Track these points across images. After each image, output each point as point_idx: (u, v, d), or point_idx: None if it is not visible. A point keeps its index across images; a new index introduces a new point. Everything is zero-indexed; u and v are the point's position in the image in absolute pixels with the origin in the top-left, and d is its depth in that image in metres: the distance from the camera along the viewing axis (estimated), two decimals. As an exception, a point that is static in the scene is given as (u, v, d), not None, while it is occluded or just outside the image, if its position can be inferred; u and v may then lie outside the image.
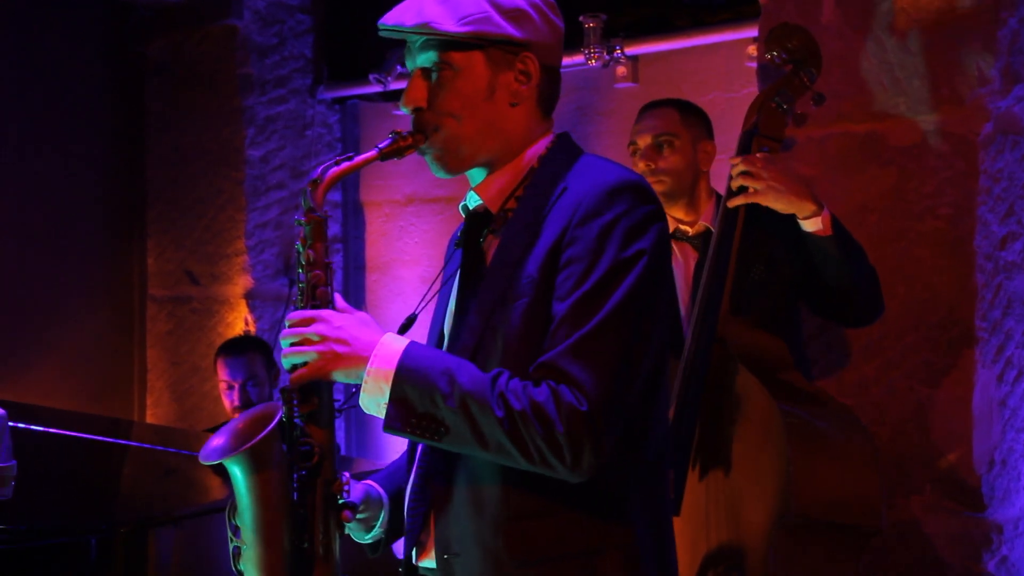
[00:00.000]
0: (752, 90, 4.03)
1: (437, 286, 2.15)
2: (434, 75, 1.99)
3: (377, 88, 5.03)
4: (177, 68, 5.46)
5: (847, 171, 3.59)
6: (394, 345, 1.90)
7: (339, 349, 1.90)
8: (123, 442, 3.95)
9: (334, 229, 5.46)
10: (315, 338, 1.91)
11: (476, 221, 2.07)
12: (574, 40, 4.44)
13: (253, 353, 4.65)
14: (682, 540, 2.97)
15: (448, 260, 2.17)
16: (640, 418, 1.95)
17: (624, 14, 4.46)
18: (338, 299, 2.00)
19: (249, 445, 1.91)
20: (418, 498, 2.03)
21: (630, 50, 4.45)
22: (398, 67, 4.93)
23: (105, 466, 3.73)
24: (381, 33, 2.03)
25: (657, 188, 3.26)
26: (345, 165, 2.00)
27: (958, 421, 3.40)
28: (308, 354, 1.91)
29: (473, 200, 2.07)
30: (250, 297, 5.31)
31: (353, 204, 5.49)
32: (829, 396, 3.11)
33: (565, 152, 2.05)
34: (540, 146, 2.05)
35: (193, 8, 5.31)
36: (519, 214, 2.00)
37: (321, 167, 2.00)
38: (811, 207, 3.02)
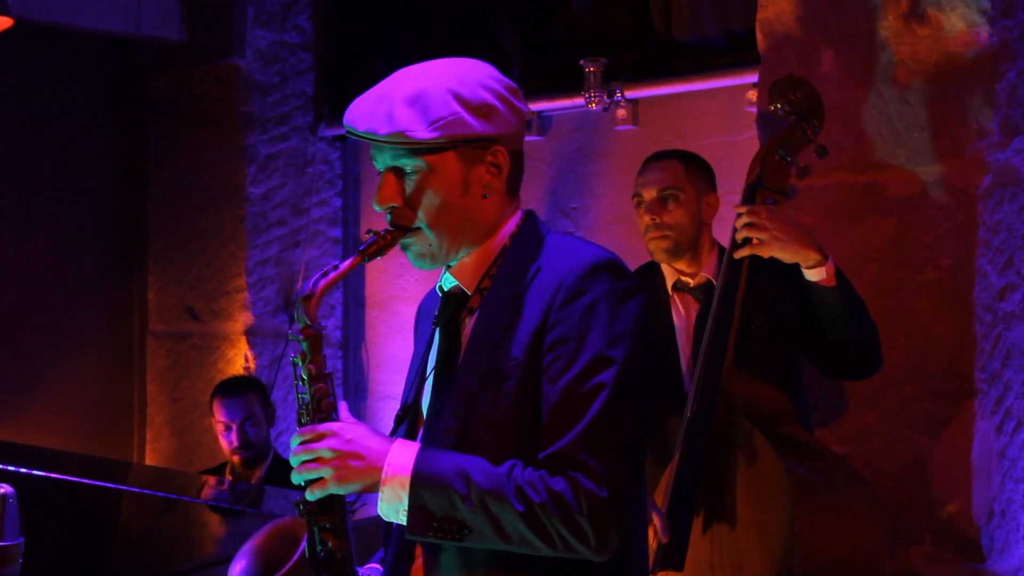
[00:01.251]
0: (752, 135, 4.05)
1: (419, 370, 2.14)
2: (409, 177, 2.00)
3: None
4: (179, 106, 5.48)
5: (847, 221, 3.60)
6: (406, 452, 1.92)
7: (354, 464, 1.92)
8: (123, 488, 3.94)
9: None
10: (328, 455, 1.92)
11: (452, 302, 2.08)
12: (575, 83, 4.46)
13: (249, 393, 4.66)
14: (684, 594, 2.99)
15: (418, 335, 2.18)
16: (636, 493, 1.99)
17: (624, 57, 4.48)
18: (342, 409, 2.01)
19: (282, 572, 1.96)
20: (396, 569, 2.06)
21: (630, 93, 4.47)
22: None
23: (106, 514, 3.72)
24: (351, 137, 2.04)
25: (662, 244, 3.28)
26: (332, 275, 2.00)
27: (958, 471, 3.41)
28: (323, 471, 1.92)
29: (448, 281, 2.08)
30: (250, 334, 5.31)
31: (354, 241, 5.50)
32: (831, 451, 3.13)
33: (533, 231, 2.07)
34: (511, 225, 2.07)
35: (195, 47, 5.32)
36: (495, 293, 2.01)
37: (311, 281, 2.01)
38: (816, 256, 3.03)
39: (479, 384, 1.96)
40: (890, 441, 3.50)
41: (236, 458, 4.59)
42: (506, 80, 2.06)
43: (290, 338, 2.01)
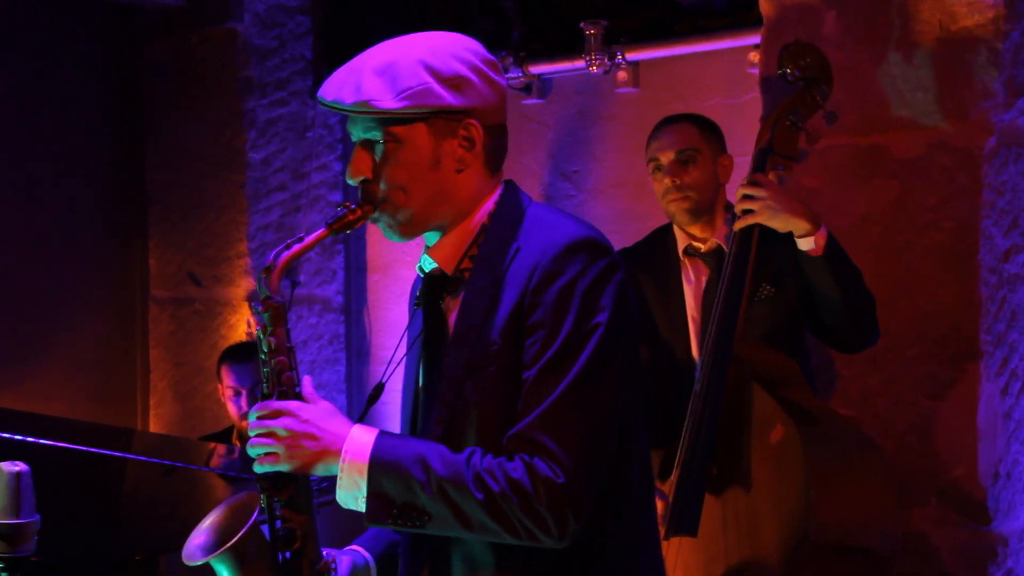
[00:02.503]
0: (753, 96, 4.03)
1: (400, 352, 2.13)
2: (378, 148, 1.97)
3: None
4: (177, 71, 5.45)
5: (850, 183, 3.59)
6: (364, 437, 1.90)
7: (308, 444, 1.91)
8: (127, 456, 3.95)
9: (336, 229, 5.45)
10: (283, 433, 1.91)
11: (433, 283, 2.06)
12: (575, 46, 4.44)
13: (259, 359, 4.62)
14: (697, 559, 3.01)
15: (411, 320, 2.16)
16: (620, 473, 1.97)
17: (625, 20, 4.45)
18: (305, 385, 2.00)
19: (231, 544, 1.93)
20: (412, 570, 2.06)
21: (631, 56, 4.44)
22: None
23: (111, 482, 3.73)
24: (321, 106, 2.01)
25: (684, 205, 3.28)
26: (296, 247, 1.99)
27: (963, 434, 3.41)
28: (276, 447, 1.91)
29: (428, 263, 2.06)
30: (252, 299, 5.30)
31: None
32: (841, 415, 3.13)
33: (513, 206, 2.04)
34: (490, 203, 2.04)
35: (193, 11, 5.28)
36: (475, 276, 1.99)
37: (273, 252, 1.99)
38: (806, 225, 3.02)
39: (465, 372, 1.94)
40: (895, 404, 3.50)
41: (245, 423, 4.58)
42: (484, 53, 2.02)
43: (252, 310, 1.99)
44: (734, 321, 3.04)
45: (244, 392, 4.55)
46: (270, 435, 1.91)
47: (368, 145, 1.98)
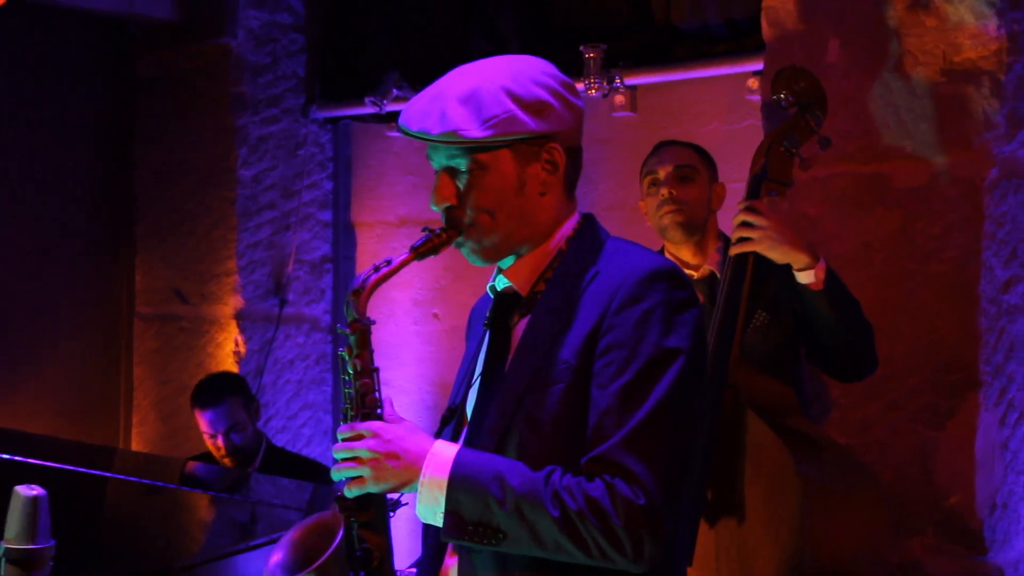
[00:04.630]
0: (752, 123, 4.04)
1: (470, 372, 2.14)
2: (463, 176, 1.99)
3: (371, 109, 5.00)
4: (169, 86, 5.41)
5: (852, 211, 3.59)
6: (445, 453, 1.92)
7: (391, 464, 1.93)
8: (116, 476, 3.90)
9: (324, 249, 5.43)
10: (366, 455, 1.93)
11: (504, 302, 2.08)
12: (574, 69, 4.43)
13: (229, 400, 4.50)
14: (691, 588, 2.98)
15: (470, 337, 2.18)
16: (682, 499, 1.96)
17: (624, 43, 4.45)
18: (387, 406, 2.01)
19: (316, 565, 1.98)
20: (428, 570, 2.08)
21: (629, 80, 4.44)
22: (394, 90, 4.91)
23: (100, 503, 3.69)
24: (405, 135, 2.02)
25: (677, 217, 3.27)
26: (385, 271, 2.00)
27: (961, 464, 3.41)
28: (361, 470, 1.93)
29: (502, 282, 2.08)
30: (240, 318, 5.26)
31: (344, 224, 5.47)
32: (837, 443, 3.13)
33: (592, 235, 2.06)
34: (567, 227, 2.06)
35: (186, 26, 5.25)
36: (549, 296, 2.01)
37: (361, 276, 2.01)
38: (805, 259, 3.02)
39: (526, 385, 1.95)
40: (893, 432, 3.50)
41: (227, 463, 4.51)
42: (561, 76, 2.05)
43: (339, 332, 2.00)
44: (729, 347, 3.03)
45: (219, 435, 4.47)
46: (355, 459, 1.94)
47: (452, 172, 2.00)
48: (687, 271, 3.32)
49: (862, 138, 3.57)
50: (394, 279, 5.50)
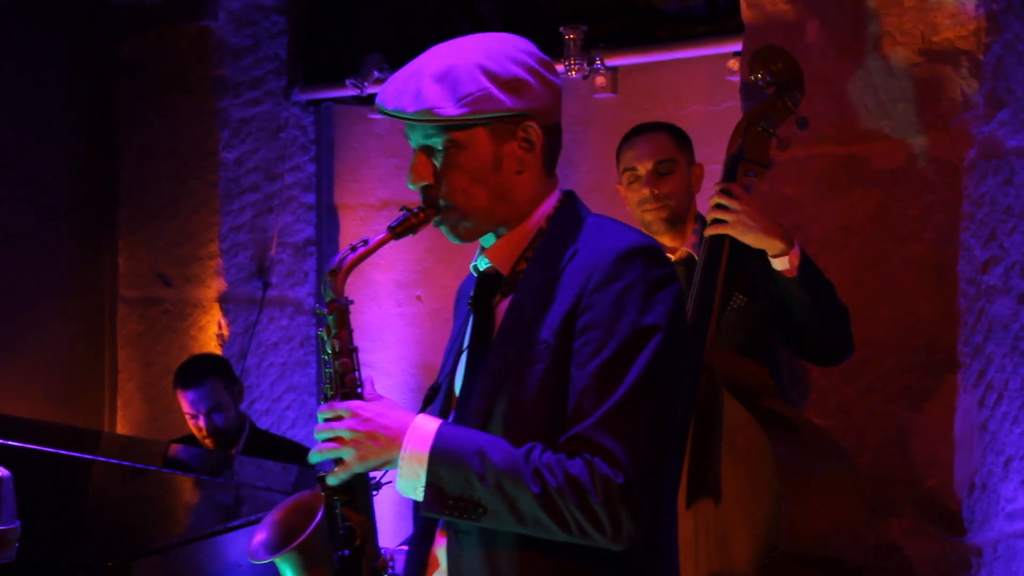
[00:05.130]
0: (733, 104, 4.03)
1: (454, 351, 2.14)
2: (439, 155, 1.99)
3: (353, 91, 4.99)
4: (150, 68, 5.39)
5: (830, 193, 3.59)
6: (426, 428, 1.92)
7: (372, 444, 1.93)
8: (97, 458, 3.90)
9: (307, 231, 5.42)
10: (347, 436, 1.93)
11: (487, 282, 2.08)
12: (554, 50, 4.41)
13: (212, 380, 4.50)
14: (668, 570, 2.98)
15: (457, 316, 2.18)
16: (662, 478, 1.97)
17: (604, 25, 4.44)
18: (367, 386, 2.02)
19: (298, 543, 1.96)
20: (417, 552, 2.06)
21: (610, 61, 4.43)
22: (375, 72, 4.89)
23: (80, 485, 3.69)
24: (381, 113, 2.02)
25: (661, 214, 3.26)
26: (361, 251, 2.01)
27: (939, 445, 3.42)
28: (342, 451, 1.94)
29: (483, 263, 2.07)
30: (223, 300, 5.26)
31: (327, 207, 5.45)
32: (814, 424, 3.13)
33: (572, 212, 2.05)
34: (547, 206, 2.05)
35: (166, 8, 5.22)
36: (529, 275, 2.01)
37: (339, 256, 2.01)
38: (779, 245, 3.02)
39: (508, 366, 1.95)
40: (872, 414, 3.51)
41: (208, 443, 4.51)
42: (539, 54, 2.03)
43: (316, 312, 2.00)
44: (705, 330, 3.03)
45: (201, 416, 4.47)
46: (336, 439, 1.94)
47: (428, 151, 2.00)
48: (666, 253, 3.31)
49: (840, 119, 3.56)
50: (377, 261, 5.52)
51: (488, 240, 2.07)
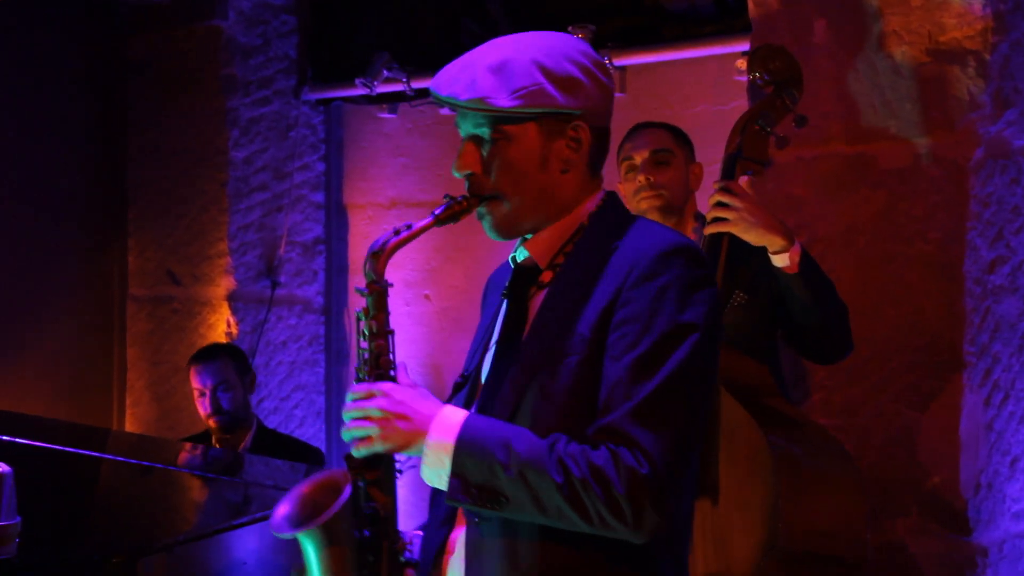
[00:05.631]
0: (740, 103, 4.03)
1: (486, 342, 2.15)
2: (487, 145, 2.01)
3: (363, 91, 5.00)
4: (160, 68, 5.40)
5: (837, 193, 3.59)
6: (453, 418, 1.93)
7: (400, 425, 1.93)
8: (104, 456, 3.91)
9: (316, 230, 5.43)
10: (376, 414, 1.94)
11: (523, 274, 2.08)
12: (562, 50, 4.41)
13: (224, 359, 4.62)
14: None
15: (486, 307, 2.19)
16: (691, 476, 1.98)
17: (612, 24, 4.44)
18: (401, 369, 2.02)
19: (324, 519, 1.95)
20: (433, 541, 2.07)
21: (618, 60, 4.43)
22: (384, 71, 4.89)
23: (87, 483, 3.69)
24: (434, 100, 2.03)
25: (655, 202, 3.28)
26: (405, 235, 2.01)
27: (945, 444, 3.41)
28: (370, 429, 1.94)
29: (522, 254, 2.08)
30: (232, 299, 5.27)
31: (336, 206, 5.46)
32: (813, 422, 3.13)
33: (616, 213, 2.07)
34: (590, 204, 2.06)
35: (177, 8, 5.24)
36: (568, 270, 2.02)
37: (382, 238, 2.01)
38: (780, 242, 3.02)
39: (542, 357, 1.96)
40: (877, 414, 3.50)
41: (211, 423, 4.57)
42: (595, 55, 2.05)
43: (357, 292, 2.01)
44: None
45: (207, 392, 4.53)
46: (365, 418, 1.95)
47: (477, 140, 2.02)
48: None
49: (847, 119, 3.56)
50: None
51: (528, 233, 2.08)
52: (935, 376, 3.43)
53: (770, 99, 3.16)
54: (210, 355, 4.65)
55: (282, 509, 2.01)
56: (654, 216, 3.28)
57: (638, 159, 3.31)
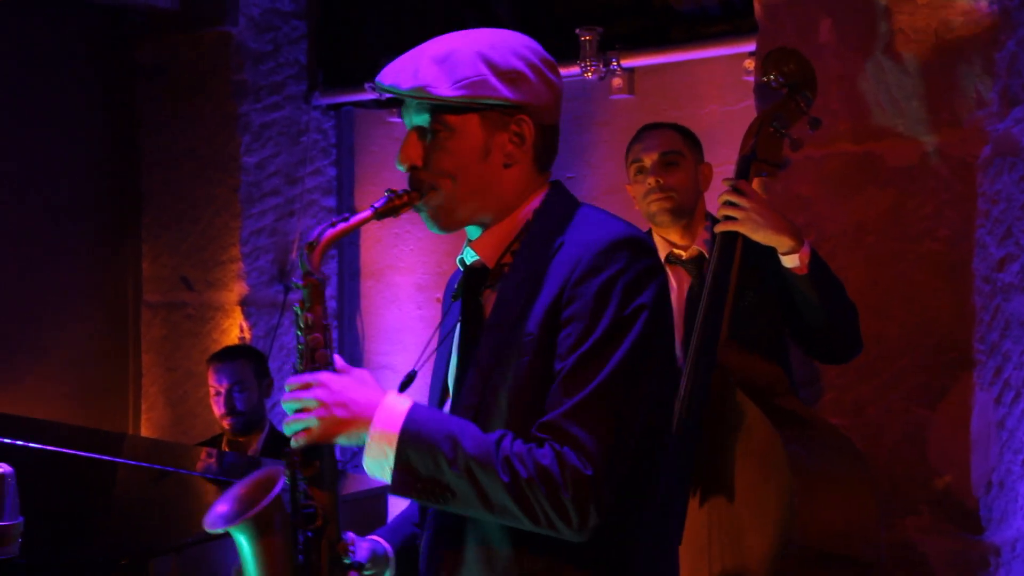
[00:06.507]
0: (749, 104, 4.03)
1: (435, 343, 2.15)
2: (429, 135, 1.99)
3: (372, 96, 5.01)
4: (171, 74, 5.43)
5: (845, 191, 3.58)
6: (397, 407, 1.90)
7: (339, 413, 1.91)
8: (116, 459, 3.93)
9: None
10: (314, 404, 1.91)
11: (474, 276, 2.08)
12: (570, 52, 4.43)
13: (242, 360, 4.66)
14: (682, 568, 2.96)
15: (446, 312, 2.17)
16: (645, 469, 1.96)
17: (620, 26, 4.44)
18: (337, 360, 2.00)
19: (253, 513, 1.91)
20: (430, 557, 2.04)
21: (626, 62, 4.44)
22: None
23: (99, 486, 3.71)
24: (376, 90, 2.02)
25: (665, 204, 3.28)
26: (341, 227, 2.01)
27: (955, 443, 3.40)
28: (308, 420, 1.91)
29: (470, 255, 2.08)
30: (245, 304, 5.29)
31: (348, 210, 5.46)
32: (825, 420, 3.12)
33: (561, 205, 2.05)
34: (535, 201, 2.05)
35: (186, 14, 5.26)
36: (515, 269, 2.00)
37: (317, 229, 2.00)
38: (789, 243, 3.01)
39: (495, 360, 1.95)
40: (887, 413, 3.49)
41: (225, 423, 4.60)
42: (543, 52, 2.04)
43: (293, 286, 1.99)
44: (717, 327, 3.03)
45: (223, 392, 4.56)
46: (302, 409, 1.92)
47: (420, 132, 2.01)
48: (675, 251, 3.32)
49: (854, 118, 3.55)
50: (396, 264, 5.52)
51: (474, 233, 2.07)
52: (945, 375, 3.42)
53: (784, 101, 3.16)
54: (229, 355, 4.69)
55: (219, 508, 1.97)
56: (664, 218, 3.29)
57: (647, 161, 3.32)
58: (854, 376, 3.52)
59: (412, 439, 1.87)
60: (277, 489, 1.93)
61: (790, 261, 3.01)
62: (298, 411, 1.93)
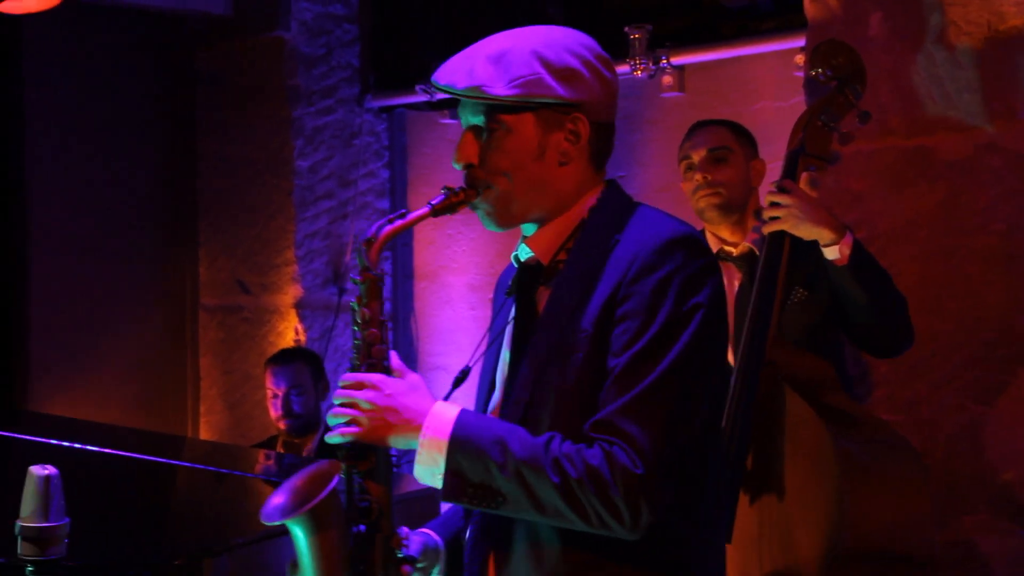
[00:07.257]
0: (800, 99, 4.00)
1: (487, 339, 2.16)
2: (485, 134, 2.00)
3: (424, 97, 5.03)
4: (226, 79, 5.49)
5: (896, 186, 3.55)
6: (446, 414, 1.91)
7: (389, 418, 1.92)
8: (172, 462, 3.98)
9: (384, 236, 5.46)
10: (365, 405, 1.93)
11: (528, 272, 2.08)
12: (620, 50, 4.41)
13: (300, 363, 4.70)
14: (732, 566, 2.96)
15: (498, 309, 2.17)
16: (698, 467, 1.95)
17: (670, 23, 4.43)
18: (393, 358, 2.01)
19: (311, 506, 1.92)
20: (477, 552, 2.05)
21: (676, 60, 4.42)
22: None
23: (154, 488, 3.76)
24: (432, 89, 2.04)
25: (713, 200, 3.26)
26: (398, 223, 2.02)
27: (1013, 439, 3.36)
28: (358, 420, 1.93)
29: (524, 252, 2.08)
30: (300, 307, 5.33)
31: (401, 212, 5.50)
32: (877, 417, 3.10)
33: (617, 203, 2.05)
34: (591, 199, 2.05)
35: (241, 20, 5.32)
36: (570, 266, 2.00)
37: (375, 225, 2.01)
38: (829, 235, 2.99)
39: (549, 356, 1.95)
40: (942, 409, 3.46)
41: (281, 425, 4.65)
42: (598, 49, 2.04)
43: (352, 282, 2.01)
44: (767, 325, 3.02)
45: (280, 395, 4.60)
46: (353, 406, 1.93)
47: (476, 131, 2.02)
48: (726, 248, 3.31)
49: (905, 111, 3.52)
50: (450, 264, 5.52)
51: (529, 230, 2.07)
52: (1002, 370, 3.38)
53: (833, 95, 3.13)
54: (287, 358, 4.73)
55: (275, 500, 1.98)
56: (712, 214, 3.27)
57: (695, 157, 3.31)
58: (908, 372, 3.48)
59: (462, 445, 1.88)
60: (334, 482, 1.94)
61: (831, 253, 2.99)
62: (347, 406, 1.94)
